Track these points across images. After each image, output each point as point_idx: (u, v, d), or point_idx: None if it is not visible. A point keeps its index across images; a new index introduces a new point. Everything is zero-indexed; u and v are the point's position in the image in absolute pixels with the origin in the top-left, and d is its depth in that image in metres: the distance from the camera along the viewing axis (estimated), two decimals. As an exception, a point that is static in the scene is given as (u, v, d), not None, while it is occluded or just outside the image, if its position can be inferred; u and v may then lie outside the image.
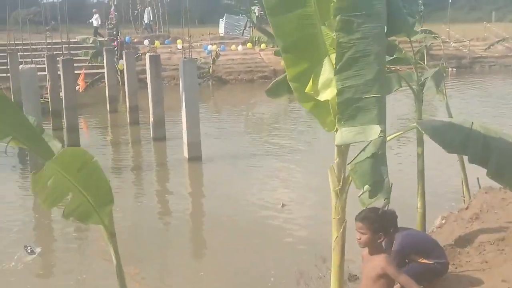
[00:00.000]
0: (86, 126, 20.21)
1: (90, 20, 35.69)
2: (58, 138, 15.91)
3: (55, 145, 4.21)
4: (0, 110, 3.48)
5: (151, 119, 16.39)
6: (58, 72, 17.04)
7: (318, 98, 3.98)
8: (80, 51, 28.86)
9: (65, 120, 15.97)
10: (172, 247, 8.81)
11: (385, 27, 3.72)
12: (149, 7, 36.16)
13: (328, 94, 3.92)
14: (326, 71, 3.94)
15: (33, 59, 29.60)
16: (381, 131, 3.31)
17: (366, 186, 3.48)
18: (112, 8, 33.63)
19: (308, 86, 4.02)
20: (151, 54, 17.87)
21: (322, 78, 3.95)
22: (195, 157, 13.65)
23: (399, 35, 5.71)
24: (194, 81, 14.19)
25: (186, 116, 13.72)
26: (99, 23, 34.83)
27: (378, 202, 3.61)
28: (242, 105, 24.07)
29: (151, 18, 36.15)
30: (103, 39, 29.97)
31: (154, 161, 14.60)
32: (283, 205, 10.37)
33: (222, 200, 10.88)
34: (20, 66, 13.86)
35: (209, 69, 30.38)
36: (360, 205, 3.88)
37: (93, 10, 36.71)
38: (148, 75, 17.00)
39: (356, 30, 3.46)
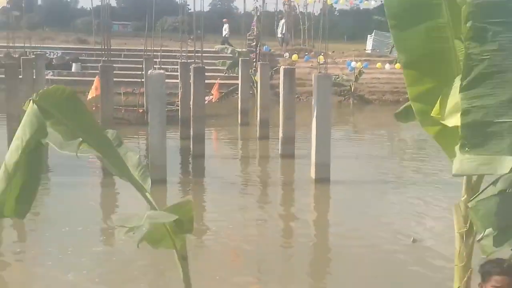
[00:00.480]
0: (215, 137, 20.72)
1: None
2: (184, 148, 16.89)
3: (131, 158, 4.18)
4: (74, 113, 3.48)
5: (280, 134, 16.44)
6: (191, 81, 17.59)
7: (445, 123, 3.62)
8: (218, 60, 29.72)
9: (191, 129, 16.36)
10: (292, 274, 8.73)
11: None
12: (283, 20, 36.33)
13: (458, 120, 3.55)
14: (458, 93, 3.58)
15: (168, 66, 31.07)
16: (514, 164, 2.95)
17: (489, 230, 3.07)
18: (255, 18, 34.30)
19: (435, 108, 3.72)
20: (286, 67, 17.92)
21: (452, 100, 3.60)
22: (322, 179, 13.51)
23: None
24: (328, 98, 14.04)
25: (316, 134, 13.59)
26: (228, 33, 35.77)
27: (503, 252, 3.17)
28: (383, 127, 23.49)
29: (284, 31, 36.12)
30: (238, 49, 30.60)
31: (280, 179, 14.71)
32: (414, 241, 9.88)
33: (348, 228, 10.69)
34: (149, 71, 14.41)
35: (350, 87, 30.03)
36: (481, 252, 3.44)
37: (223, 20, 37.71)
38: (281, 89, 17.10)
39: (492, 40, 3.10)
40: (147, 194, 4.01)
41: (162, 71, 14.67)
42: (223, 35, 36.40)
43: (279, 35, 35.79)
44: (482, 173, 2.97)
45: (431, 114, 3.72)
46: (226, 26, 36.30)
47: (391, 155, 18.08)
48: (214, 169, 15.36)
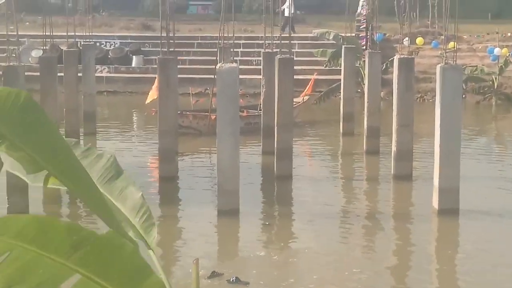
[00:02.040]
0: (309, 151, 20.24)
1: (281, 8, 35.98)
2: (267, 166, 16.54)
3: (132, 195, 3.65)
4: (34, 130, 2.98)
5: (393, 148, 15.84)
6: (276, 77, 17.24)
7: None
8: (316, 49, 29.26)
9: (275, 142, 15.97)
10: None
11: None
12: None
13: None
14: None
15: (252, 58, 30.80)
16: None
17: None
18: (366, -7, 33.62)
19: None
20: (403, 56, 17.19)
21: None
22: (449, 210, 13.02)
23: None
24: (457, 98, 13.42)
25: (441, 148, 13.05)
26: (292, 12, 34.81)
27: None
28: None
29: (292, 11, 34.11)
30: (343, 35, 29.88)
31: (392, 208, 14.49)
32: None
33: (482, 275, 10.48)
34: (217, 66, 14.09)
35: (493, 82, 28.79)
36: None
37: None
38: (394, 86, 16.56)
39: None
40: (150, 252, 3.48)
41: (235, 64, 14.35)
42: (285, 14, 35.56)
43: (287, 14, 32.32)
44: None
45: None
46: (289, 3, 35.56)
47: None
48: (305, 195, 15.10)
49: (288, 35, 19.08)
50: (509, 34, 34.42)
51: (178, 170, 16.11)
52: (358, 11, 34.71)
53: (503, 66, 28.71)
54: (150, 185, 15.43)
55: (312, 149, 20.77)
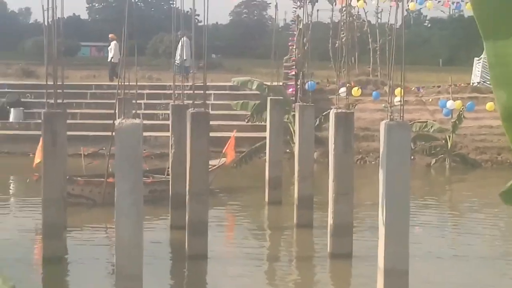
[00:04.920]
0: (229, 225, 20.25)
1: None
2: (177, 244, 16.42)
3: None
4: None
5: (330, 221, 16.01)
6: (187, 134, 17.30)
7: None
8: (236, 101, 29.52)
9: (187, 214, 15.94)
10: None
11: None
12: (185, 37, 35.17)
13: None
14: None
15: (158, 111, 30.88)
16: None
17: None
18: (296, 34, 34.16)
19: None
20: (340, 111, 17.46)
21: None
22: None
23: None
24: (405, 161, 13.52)
25: (385, 222, 13.12)
26: (113, 55, 35.70)
27: None
28: (500, 206, 22.74)
29: (185, 58, 34.64)
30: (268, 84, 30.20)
31: None
32: None
33: None
34: (117, 121, 14.05)
35: (446, 141, 29.53)
36: None
37: (110, 35, 37.71)
38: (330, 146, 16.79)
39: None
40: None
41: (138, 119, 14.32)
42: (109, 59, 36.48)
43: (178, 60, 32.98)
44: None
45: None
46: (112, 45, 36.34)
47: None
48: (223, 280, 15.09)
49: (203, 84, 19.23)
50: (463, 84, 35.47)
51: (66, 249, 15.87)
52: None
53: (457, 122, 29.48)
54: (31, 270, 15.17)
55: (232, 222, 20.88)
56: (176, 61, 29.12)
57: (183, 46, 34.55)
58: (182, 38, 34.89)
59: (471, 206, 24.13)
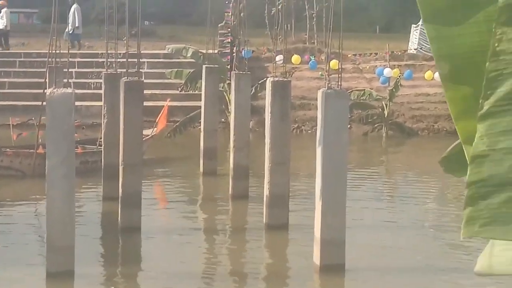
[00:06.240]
0: (163, 196, 20.23)
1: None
2: (109, 216, 16.40)
3: None
4: None
5: (266, 192, 16.11)
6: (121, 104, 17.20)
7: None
8: (170, 70, 29.43)
9: (120, 185, 15.88)
10: None
11: None
12: (75, 3, 35.21)
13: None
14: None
15: (90, 80, 30.64)
16: None
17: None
18: (232, 2, 34.06)
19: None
20: (277, 79, 17.49)
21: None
22: (332, 266, 13.24)
23: None
24: (342, 130, 13.67)
25: (322, 192, 13.25)
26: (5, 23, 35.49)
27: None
28: (435, 174, 23.11)
29: (77, 24, 34.79)
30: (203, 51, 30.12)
31: (265, 266, 14.49)
32: None
33: None
34: (48, 91, 13.90)
35: (383, 110, 29.79)
36: None
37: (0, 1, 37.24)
38: (267, 115, 16.83)
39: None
40: None
41: (69, 89, 14.19)
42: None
43: (70, 27, 32.01)
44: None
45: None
46: (3, 12, 36.08)
47: (447, 222, 17.80)
48: (156, 252, 15.07)
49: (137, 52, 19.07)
50: (400, 51, 35.73)
51: (-6, 222, 15.77)
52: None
53: (394, 90, 29.72)
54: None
55: (166, 193, 20.88)
56: (68, 29, 28.58)
57: (75, 13, 34.40)
58: (73, 5, 34.76)
59: (407, 174, 24.50)
